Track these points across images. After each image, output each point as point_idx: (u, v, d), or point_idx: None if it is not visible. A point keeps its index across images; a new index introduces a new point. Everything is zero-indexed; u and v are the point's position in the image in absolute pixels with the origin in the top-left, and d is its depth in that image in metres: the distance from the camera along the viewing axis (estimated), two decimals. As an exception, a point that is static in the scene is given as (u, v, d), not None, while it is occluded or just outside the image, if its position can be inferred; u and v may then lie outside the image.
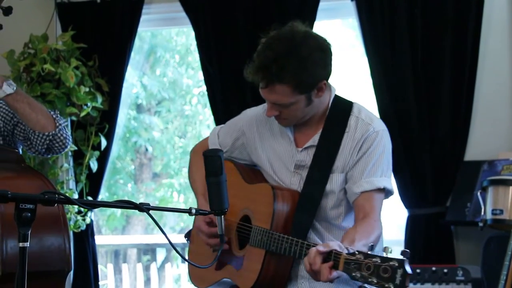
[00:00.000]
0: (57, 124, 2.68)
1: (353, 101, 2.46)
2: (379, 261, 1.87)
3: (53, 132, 2.66)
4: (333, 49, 2.34)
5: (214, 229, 2.48)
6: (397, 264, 1.85)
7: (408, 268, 1.85)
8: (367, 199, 2.31)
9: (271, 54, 2.25)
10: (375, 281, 1.87)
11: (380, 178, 2.34)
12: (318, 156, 2.39)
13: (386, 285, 1.85)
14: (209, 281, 2.60)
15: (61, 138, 2.69)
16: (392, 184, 2.40)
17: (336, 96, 2.44)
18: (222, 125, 2.73)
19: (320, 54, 2.28)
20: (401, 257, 1.86)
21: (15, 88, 2.61)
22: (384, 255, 1.88)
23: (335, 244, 2.02)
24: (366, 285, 1.91)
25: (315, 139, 2.41)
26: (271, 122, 2.51)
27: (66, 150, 2.77)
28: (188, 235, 2.74)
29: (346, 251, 1.98)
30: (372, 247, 1.95)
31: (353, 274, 1.92)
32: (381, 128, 2.40)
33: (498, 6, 3.82)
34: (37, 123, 2.64)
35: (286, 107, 2.31)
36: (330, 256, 2.01)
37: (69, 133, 2.77)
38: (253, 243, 2.39)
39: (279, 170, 2.47)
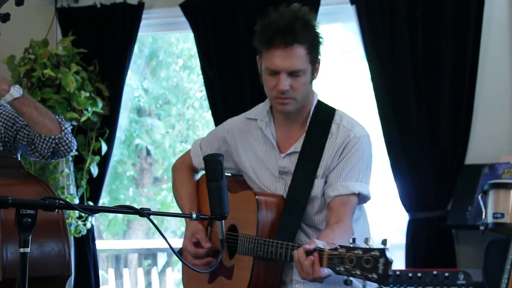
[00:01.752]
0: (63, 128, 2.70)
1: (335, 108, 2.49)
2: (361, 253, 1.88)
3: (59, 135, 2.68)
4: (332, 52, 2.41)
5: (200, 250, 2.50)
6: (378, 254, 1.86)
7: (389, 256, 1.85)
8: (341, 203, 2.33)
9: (286, 18, 2.32)
10: (359, 273, 1.87)
11: (355, 183, 2.35)
12: (301, 162, 2.40)
13: (370, 276, 1.85)
14: None
15: (67, 141, 2.70)
16: (369, 189, 2.40)
17: (319, 101, 2.48)
18: (202, 137, 2.74)
19: (319, 32, 2.39)
20: (381, 246, 1.86)
21: (21, 92, 2.64)
22: (365, 246, 1.89)
23: (319, 243, 2.04)
24: (351, 278, 1.91)
25: (297, 146, 2.43)
26: (253, 130, 2.53)
27: (71, 153, 2.78)
28: (180, 253, 2.73)
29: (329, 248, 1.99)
30: (354, 240, 1.96)
31: (337, 269, 1.94)
32: (362, 134, 2.42)
33: (498, 10, 3.82)
34: (43, 127, 2.65)
35: (298, 77, 2.32)
36: (311, 254, 2.02)
37: (73, 137, 2.78)
38: (241, 251, 2.38)
39: (263, 176, 2.48)
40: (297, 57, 2.31)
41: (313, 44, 2.34)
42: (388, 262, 1.84)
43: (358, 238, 2.00)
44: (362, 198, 2.38)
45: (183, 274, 2.79)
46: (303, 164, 2.40)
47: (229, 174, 2.65)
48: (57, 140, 2.67)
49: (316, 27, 2.37)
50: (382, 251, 1.85)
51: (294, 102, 2.38)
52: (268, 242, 2.27)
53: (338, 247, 1.94)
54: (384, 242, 1.87)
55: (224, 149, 2.60)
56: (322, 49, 2.41)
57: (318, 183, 2.39)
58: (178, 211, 2.69)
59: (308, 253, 2.02)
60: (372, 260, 1.86)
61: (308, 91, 2.41)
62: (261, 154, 2.49)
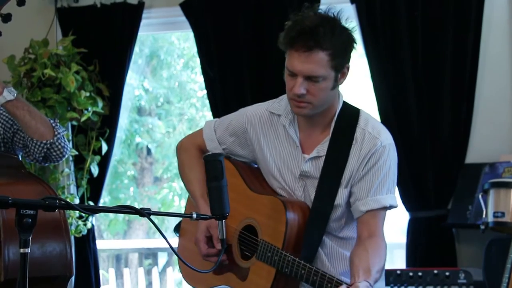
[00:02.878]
0: (56, 133, 2.66)
1: (360, 108, 2.41)
2: None
3: (51, 140, 2.64)
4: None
5: (212, 251, 2.45)
6: None
7: None
8: (372, 217, 2.29)
9: (311, 21, 2.22)
10: None
11: (386, 196, 2.31)
12: (326, 169, 2.33)
13: None
14: (205, 283, 2.55)
15: (59, 147, 2.66)
16: (396, 198, 2.38)
17: (344, 103, 2.39)
18: (216, 119, 2.62)
19: (349, 34, 2.27)
20: None
21: (15, 94, 2.59)
22: None
23: (363, 286, 2.02)
24: None
25: (320, 150, 2.35)
26: (276, 124, 2.44)
27: (63, 159, 2.75)
28: (177, 228, 2.69)
29: None
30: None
31: None
32: (388, 142, 2.34)
33: (498, 9, 3.82)
34: (36, 131, 2.62)
35: (316, 82, 2.23)
36: None
37: (67, 142, 2.74)
38: (262, 258, 2.33)
39: (283, 174, 2.41)
40: (317, 63, 2.21)
41: (338, 49, 2.23)
42: None
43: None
44: (390, 208, 2.36)
45: (179, 262, 2.73)
46: (328, 172, 2.32)
47: (245, 164, 2.56)
48: (48, 145, 2.64)
49: (346, 31, 2.26)
50: None
51: (310, 107, 2.27)
52: (298, 264, 2.22)
53: None
54: None
55: (243, 138, 2.50)
56: (352, 53, 2.30)
57: (341, 192, 2.32)
58: (179, 210, 2.68)
59: None
60: None
61: (329, 97, 2.30)
62: (284, 153, 2.41)
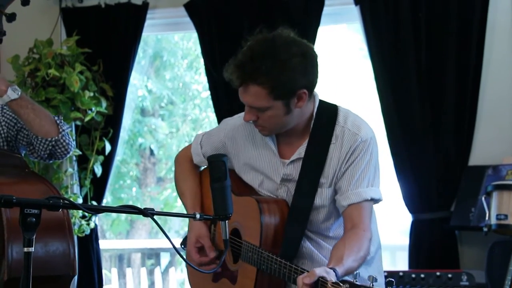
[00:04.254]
0: (60, 130, 2.67)
1: (338, 105, 2.37)
2: None
3: (56, 137, 2.65)
4: (319, 60, 2.24)
5: (204, 259, 2.47)
6: None
7: None
8: (354, 209, 2.26)
9: (248, 54, 2.18)
10: None
11: (366, 188, 2.27)
12: (305, 169, 2.31)
13: None
14: None
15: (64, 144, 2.68)
16: (381, 191, 2.34)
17: (320, 102, 2.33)
18: (204, 133, 2.63)
19: (301, 60, 2.17)
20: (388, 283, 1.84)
21: (19, 93, 2.60)
22: (369, 284, 1.85)
23: (321, 271, 1.98)
24: None
25: (300, 152, 2.33)
26: (253, 133, 2.42)
27: (68, 156, 2.76)
28: (184, 243, 2.70)
29: (334, 277, 1.95)
30: (357, 275, 1.92)
31: None
32: (369, 136, 2.30)
33: (502, 12, 3.82)
34: (40, 129, 2.62)
35: (262, 111, 2.21)
36: (317, 285, 1.96)
37: (71, 139, 2.75)
38: (245, 259, 2.35)
39: (264, 182, 2.41)
40: (254, 96, 2.18)
41: (279, 81, 2.14)
42: None
43: (365, 271, 2.00)
44: (375, 202, 2.32)
45: (188, 267, 2.77)
46: (306, 171, 2.30)
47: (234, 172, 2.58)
48: (53, 143, 2.65)
49: (289, 54, 2.15)
50: None
51: (268, 130, 2.28)
52: (271, 259, 2.22)
53: (342, 283, 1.89)
54: (389, 283, 1.84)
55: (223, 151, 2.50)
56: (306, 74, 2.18)
57: (322, 192, 2.30)
58: (182, 210, 2.68)
59: (310, 286, 1.97)
60: None
61: (289, 119, 2.24)
62: (261, 160, 2.40)
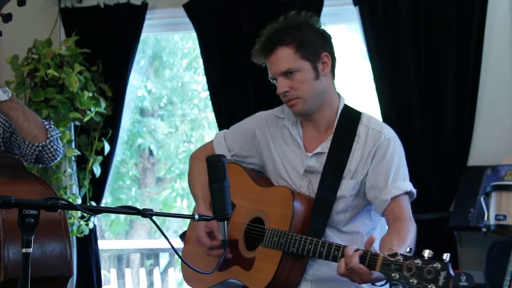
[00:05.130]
0: (49, 135, 2.65)
1: (361, 111, 2.52)
2: (421, 263, 1.94)
3: (43, 143, 2.63)
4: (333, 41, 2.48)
5: (215, 242, 2.49)
6: (440, 266, 1.93)
7: (451, 271, 1.93)
8: (395, 204, 2.36)
9: (270, 30, 2.45)
10: (415, 282, 1.93)
11: (404, 182, 2.40)
12: (329, 162, 2.42)
13: (428, 286, 1.91)
14: (209, 282, 2.58)
15: (51, 149, 2.66)
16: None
17: (345, 105, 2.49)
18: (226, 130, 2.73)
19: (317, 27, 2.45)
20: (444, 258, 1.94)
21: (10, 95, 2.58)
22: (425, 257, 1.94)
23: (368, 245, 2.09)
24: (400, 286, 1.97)
25: (323, 146, 2.45)
26: (281, 127, 2.56)
27: (55, 162, 2.74)
28: (183, 237, 2.72)
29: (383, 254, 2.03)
30: (411, 250, 2.01)
31: (392, 275, 1.98)
32: (392, 134, 2.45)
33: (501, 11, 3.82)
34: (28, 133, 2.61)
35: (293, 76, 2.37)
36: (365, 257, 2.06)
37: (61, 144, 2.73)
38: (268, 244, 2.39)
39: (289, 173, 2.50)
40: (283, 58, 2.38)
41: (303, 39, 2.38)
42: (450, 276, 1.92)
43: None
44: (410, 196, 2.43)
45: (183, 252, 2.75)
46: (330, 165, 2.42)
47: (252, 169, 2.66)
48: (40, 148, 2.63)
49: (308, 25, 2.43)
50: (445, 265, 1.93)
51: (302, 102, 2.40)
52: (305, 240, 2.29)
53: (398, 254, 1.98)
54: (446, 256, 1.95)
55: (251, 142, 2.62)
56: (326, 43, 2.44)
57: (345, 184, 2.41)
58: (181, 211, 2.68)
59: (359, 255, 2.08)
60: (433, 272, 1.93)
61: (318, 88, 2.41)
62: (289, 153, 2.51)
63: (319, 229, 2.38)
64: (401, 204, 2.37)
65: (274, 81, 2.43)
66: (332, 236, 2.42)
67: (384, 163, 2.39)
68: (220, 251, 2.47)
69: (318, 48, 2.40)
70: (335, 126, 2.45)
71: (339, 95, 2.51)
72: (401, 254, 1.98)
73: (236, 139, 2.65)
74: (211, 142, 2.73)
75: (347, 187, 2.41)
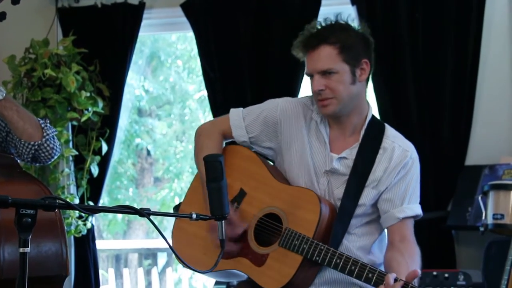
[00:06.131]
0: (45, 134, 2.63)
1: (384, 122, 2.59)
2: None
3: (39, 142, 2.62)
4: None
5: (236, 231, 2.45)
6: None
7: None
8: (404, 224, 2.45)
9: (320, 24, 2.45)
10: None
11: (416, 205, 2.51)
12: (354, 171, 2.45)
13: None
14: (209, 267, 2.54)
15: (47, 148, 2.64)
16: None
17: (372, 115, 2.53)
18: (242, 109, 2.64)
19: (362, 33, 2.48)
20: None
21: (4, 94, 2.57)
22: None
23: (410, 278, 2.16)
24: None
25: (349, 152, 2.47)
26: (308, 118, 2.53)
27: (52, 160, 2.73)
28: (177, 208, 2.68)
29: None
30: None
31: None
32: (416, 155, 2.53)
33: (499, 11, 3.82)
34: (23, 132, 2.60)
35: (331, 76, 2.38)
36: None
37: (57, 143, 2.71)
38: (286, 245, 2.37)
39: (310, 166, 2.49)
40: (326, 57, 2.39)
41: (347, 43, 2.39)
42: None
43: None
44: (417, 218, 2.54)
45: (173, 238, 2.64)
46: (355, 174, 2.45)
47: (265, 158, 2.60)
48: (36, 147, 2.62)
49: (354, 28, 2.46)
50: None
51: (336, 102, 2.41)
52: (333, 253, 2.31)
53: None
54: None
55: (273, 129, 2.55)
56: (368, 49, 2.47)
57: (367, 192, 2.45)
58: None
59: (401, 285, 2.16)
60: None
61: (352, 93, 2.42)
62: (313, 147, 2.50)
63: (339, 237, 2.41)
64: (409, 225, 2.47)
65: (310, 78, 2.43)
66: (347, 242, 2.45)
67: (406, 181, 2.47)
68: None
69: (360, 54, 2.43)
70: (362, 134, 2.48)
71: (368, 103, 2.54)
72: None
73: (258, 122, 2.57)
74: (225, 119, 2.62)
75: (368, 196, 2.45)
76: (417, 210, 2.50)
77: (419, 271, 2.20)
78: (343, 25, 2.45)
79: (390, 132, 2.53)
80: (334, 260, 2.30)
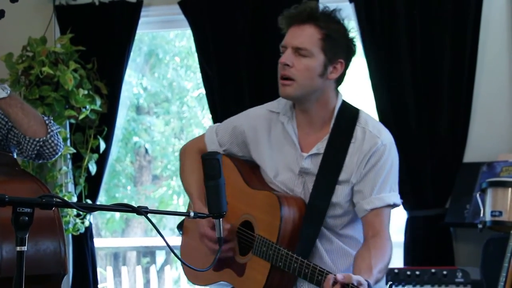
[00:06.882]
0: (49, 130, 2.64)
1: (359, 108, 2.43)
2: None
3: (44, 138, 2.63)
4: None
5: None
6: None
7: None
8: (376, 216, 2.30)
9: (315, 5, 2.36)
10: None
11: (389, 194, 2.33)
12: (324, 166, 2.34)
13: None
14: (206, 280, 2.57)
15: (52, 144, 2.65)
16: (398, 196, 2.39)
17: (343, 102, 2.41)
18: (219, 124, 2.65)
19: (352, 38, 2.38)
20: None
21: (8, 92, 2.58)
22: None
23: (358, 278, 2.01)
24: None
25: (319, 147, 2.37)
26: (275, 123, 2.46)
27: (56, 156, 2.73)
28: (180, 226, 2.69)
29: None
30: (391, 286, 1.98)
31: None
32: (389, 141, 2.37)
33: (497, 8, 3.82)
34: (28, 129, 2.60)
35: (303, 57, 2.30)
36: None
37: (61, 139, 2.72)
38: (257, 253, 2.34)
39: (282, 172, 2.42)
40: (307, 36, 2.30)
41: (332, 34, 2.31)
42: None
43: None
44: (394, 207, 2.37)
45: (182, 253, 2.72)
46: (325, 168, 2.34)
47: (245, 161, 2.57)
48: (41, 143, 2.62)
49: (346, 29, 2.36)
50: None
51: (296, 87, 2.31)
52: (291, 257, 2.23)
53: None
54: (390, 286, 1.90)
55: (241, 139, 2.52)
56: (349, 54, 2.37)
57: (340, 190, 2.34)
58: (177, 208, 2.67)
59: (341, 286, 2.01)
60: None
61: (316, 84, 2.32)
62: (282, 151, 2.43)
63: (311, 238, 2.32)
64: (382, 217, 2.30)
65: (282, 52, 2.36)
66: (330, 237, 2.38)
67: (375, 170, 2.31)
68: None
69: (340, 52, 2.33)
70: (331, 125, 2.36)
71: (337, 93, 2.42)
72: None
73: (227, 134, 2.56)
74: (202, 136, 2.65)
75: (342, 193, 2.34)
76: (388, 199, 2.31)
77: (356, 278, 2.02)
78: (337, 18, 2.36)
79: (363, 118, 2.38)
80: (293, 264, 2.22)
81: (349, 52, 2.37)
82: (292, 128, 2.42)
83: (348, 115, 2.38)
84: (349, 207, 2.37)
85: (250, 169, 2.54)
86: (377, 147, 2.31)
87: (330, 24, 2.31)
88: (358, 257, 2.22)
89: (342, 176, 2.33)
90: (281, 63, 2.33)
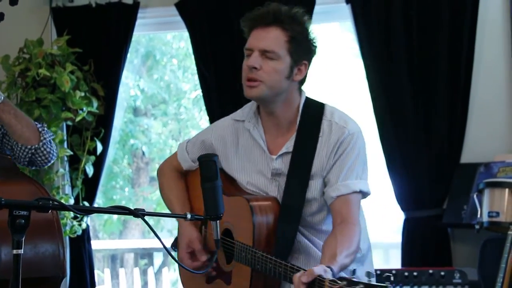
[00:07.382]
0: (42, 138, 2.63)
1: (324, 102, 2.42)
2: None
3: (36, 146, 2.61)
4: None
5: (196, 263, 2.47)
6: None
7: None
8: (343, 203, 2.28)
9: (279, 7, 2.34)
10: None
11: (355, 181, 2.30)
12: (294, 164, 2.33)
13: None
14: None
15: (44, 152, 2.64)
16: (369, 184, 2.36)
17: (307, 98, 2.40)
18: (188, 139, 2.65)
19: (313, 38, 2.36)
20: (386, 283, 1.82)
21: (2, 98, 2.57)
22: (367, 280, 1.83)
23: (319, 269, 1.98)
24: None
25: (288, 146, 2.36)
26: (241, 131, 2.46)
27: (49, 164, 2.72)
28: (175, 244, 2.69)
29: (331, 276, 1.95)
30: (354, 271, 1.91)
31: None
32: (356, 130, 2.35)
33: (493, 9, 3.83)
34: (21, 136, 2.59)
35: (270, 60, 2.28)
36: (314, 284, 1.96)
37: (54, 147, 2.70)
38: (239, 259, 2.34)
39: (255, 179, 2.41)
40: (273, 38, 2.29)
41: (298, 36, 2.30)
42: None
43: (359, 270, 1.97)
44: (364, 194, 2.35)
45: (180, 270, 2.76)
46: (296, 166, 2.33)
47: (221, 170, 2.52)
48: (33, 150, 2.61)
49: (308, 29, 2.34)
50: None
51: (264, 88, 2.30)
52: (265, 258, 2.21)
53: (340, 280, 1.87)
54: (387, 278, 1.85)
55: (211, 152, 2.49)
56: (312, 55, 2.36)
57: (313, 185, 2.32)
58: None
59: (306, 285, 1.96)
60: None
61: (283, 84, 2.31)
62: (252, 158, 2.42)
63: (288, 237, 2.30)
64: (349, 204, 2.28)
65: (247, 56, 2.34)
66: (311, 237, 2.36)
67: (341, 158, 2.30)
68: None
69: (304, 54, 2.33)
70: (297, 123, 2.36)
71: (300, 91, 2.41)
72: (344, 279, 1.86)
73: (196, 149, 2.56)
74: (175, 155, 2.65)
75: (316, 188, 2.32)
76: (354, 186, 2.28)
77: (317, 271, 1.97)
78: (301, 19, 2.33)
79: (329, 111, 2.37)
80: (268, 265, 2.20)
81: (311, 52, 2.36)
82: (259, 133, 2.41)
83: (314, 111, 2.38)
84: (324, 200, 2.35)
85: (226, 178, 2.50)
86: (344, 137, 2.31)
87: (294, 26, 2.31)
88: (325, 245, 2.19)
89: (314, 171, 2.32)
90: (248, 66, 2.31)
